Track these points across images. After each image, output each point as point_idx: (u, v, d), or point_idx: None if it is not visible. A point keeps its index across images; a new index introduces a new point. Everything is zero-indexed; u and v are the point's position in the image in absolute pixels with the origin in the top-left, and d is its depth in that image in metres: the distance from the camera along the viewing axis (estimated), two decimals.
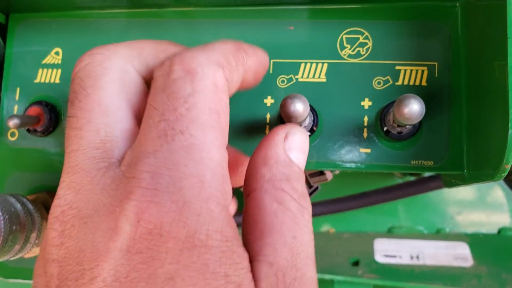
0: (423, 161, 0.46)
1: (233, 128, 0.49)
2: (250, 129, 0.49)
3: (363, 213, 1.08)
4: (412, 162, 0.46)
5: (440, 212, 1.09)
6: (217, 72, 0.32)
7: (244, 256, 0.30)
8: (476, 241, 1.04)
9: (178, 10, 0.52)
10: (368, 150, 0.47)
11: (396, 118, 0.42)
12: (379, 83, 0.47)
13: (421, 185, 0.89)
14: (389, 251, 1.03)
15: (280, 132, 0.37)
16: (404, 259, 1.00)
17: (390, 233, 1.09)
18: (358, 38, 0.48)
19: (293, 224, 0.32)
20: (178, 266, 0.26)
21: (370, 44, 0.48)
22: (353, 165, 0.47)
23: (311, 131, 0.47)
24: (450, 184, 0.51)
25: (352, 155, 0.47)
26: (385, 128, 0.46)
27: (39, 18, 0.54)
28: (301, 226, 0.32)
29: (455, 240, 1.04)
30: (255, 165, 0.35)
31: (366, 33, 0.48)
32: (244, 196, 0.35)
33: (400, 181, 1.11)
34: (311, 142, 0.48)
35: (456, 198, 1.10)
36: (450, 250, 1.01)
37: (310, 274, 0.31)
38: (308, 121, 0.46)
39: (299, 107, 0.41)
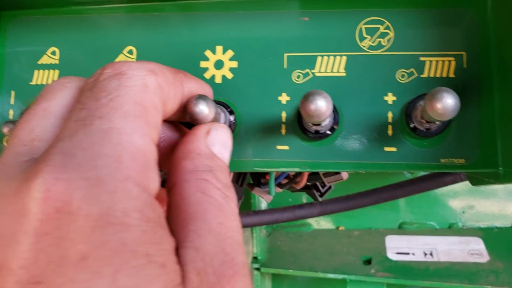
0: (453, 159, 0.43)
1: (246, 129, 0.45)
2: (264, 130, 0.45)
3: (373, 209, 1.05)
4: (441, 160, 0.43)
5: (451, 206, 1.06)
6: (149, 75, 0.32)
7: (169, 239, 0.28)
8: (490, 235, 1.01)
9: (180, 3, 0.48)
10: (394, 149, 0.44)
11: (427, 113, 0.38)
12: (403, 76, 0.44)
13: (435, 179, 0.85)
14: (401, 248, 1.00)
15: (202, 128, 0.37)
16: (417, 256, 0.97)
17: (401, 229, 1.06)
18: (379, 28, 0.45)
19: (218, 211, 0.31)
20: (91, 245, 0.24)
21: (391, 34, 0.45)
22: (377, 165, 0.44)
23: (331, 129, 0.43)
24: (479, 182, 0.47)
25: (376, 155, 0.44)
26: (411, 125, 0.43)
27: (33, 15, 0.51)
28: (227, 214, 0.31)
29: (468, 235, 1.01)
30: (177, 159, 0.34)
31: (387, 23, 0.45)
32: (167, 192, 0.34)
33: (409, 176, 1.08)
34: (331, 141, 0.44)
35: (467, 191, 1.07)
36: (464, 245, 0.98)
37: (240, 258, 0.30)
38: (328, 119, 0.43)
39: (322, 104, 0.38)
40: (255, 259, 1.05)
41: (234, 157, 0.46)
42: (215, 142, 0.36)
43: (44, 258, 0.24)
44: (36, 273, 0.24)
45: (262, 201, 1.08)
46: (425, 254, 0.98)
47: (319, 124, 0.42)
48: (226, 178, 0.34)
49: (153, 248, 0.26)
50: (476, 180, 0.48)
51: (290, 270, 0.99)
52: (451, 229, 1.04)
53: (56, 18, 0.50)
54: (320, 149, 0.44)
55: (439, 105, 0.37)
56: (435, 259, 0.97)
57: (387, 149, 0.44)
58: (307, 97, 0.38)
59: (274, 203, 1.11)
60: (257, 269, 1.04)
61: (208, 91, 0.40)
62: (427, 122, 0.41)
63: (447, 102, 0.37)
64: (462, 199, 1.08)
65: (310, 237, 1.07)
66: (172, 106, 0.35)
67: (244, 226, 0.91)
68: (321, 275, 0.96)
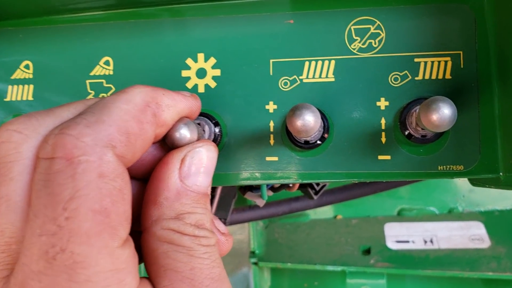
0: (451, 166, 0.41)
1: (232, 141, 0.43)
2: (252, 140, 0.43)
3: (370, 196, 1.03)
4: (439, 167, 0.41)
5: (451, 190, 1.04)
6: (105, 155, 0.28)
7: None
8: (492, 219, 0.99)
9: (163, 8, 0.45)
10: (388, 157, 0.41)
11: (423, 124, 0.36)
12: (396, 79, 0.41)
13: None
14: (400, 236, 0.98)
15: (175, 157, 0.34)
16: (417, 244, 0.95)
17: (400, 216, 1.04)
18: (369, 29, 0.42)
19: (188, 258, 0.31)
20: None
21: (383, 34, 0.42)
22: (371, 175, 0.42)
23: (322, 139, 0.41)
24: (479, 185, 0.46)
25: (369, 164, 0.42)
26: (406, 132, 0.40)
27: (3, 27, 0.48)
28: (198, 256, 0.31)
29: (469, 220, 0.99)
30: (146, 201, 0.33)
31: (378, 22, 0.42)
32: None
33: None
34: (322, 150, 0.42)
35: None
36: (465, 231, 0.97)
37: None
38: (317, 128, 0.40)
39: (309, 119, 0.35)
40: (252, 253, 1.04)
41: (221, 171, 0.43)
42: (190, 171, 0.34)
43: None
44: None
45: None
46: (425, 241, 0.96)
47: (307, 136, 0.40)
48: (197, 213, 0.33)
49: None
50: (476, 183, 0.46)
51: (288, 264, 0.98)
52: (451, 214, 1.02)
53: (28, 29, 0.47)
54: (311, 159, 0.42)
55: (434, 117, 0.34)
56: (435, 246, 0.95)
57: (381, 157, 0.41)
58: (293, 112, 0.36)
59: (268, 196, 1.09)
60: (255, 263, 1.02)
61: (191, 103, 0.37)
62: (423, 129, 0.39)
63: (444, 113, 0.34)
64: (462, 183, 1.06)
65: (308, 227, 1.05)
66: (142, 152, 0.32)
67: (240, 222, 0.89)
68: (319, 267, 0.94)
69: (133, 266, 0.29)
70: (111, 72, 0.45)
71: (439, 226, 0.99)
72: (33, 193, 0.28)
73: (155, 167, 0.34)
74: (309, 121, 0.35)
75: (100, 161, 0.28)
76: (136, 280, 0.29)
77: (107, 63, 0.45)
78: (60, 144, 0.28)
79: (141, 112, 0.31)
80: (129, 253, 0.29)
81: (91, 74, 0.45)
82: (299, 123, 0.35)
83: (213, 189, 0.74)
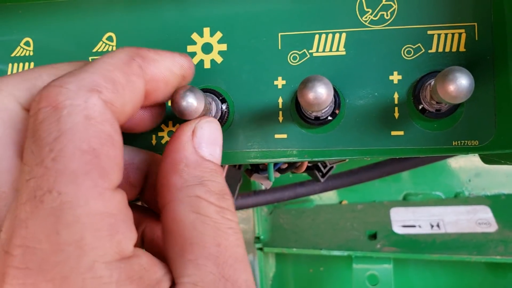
0: (466, 141, 0.40)
1: (240, 118, 0.42)
2: (260, 117, 0.42)
3: (376, 181, 1.02)
4: (453, 143, 0.40)
5: (457, 174, 1.03)
6: (90, 99, 0.28)
7: None
8: (498, 203, 0.98)
9: None
10: (401, 133, 0.40)
11: (438, 95, 0.35)
12: (409, 52, 0.40)
13: None
14: (407, 220, 0.97)
15: (186, 129, 0.34)
16: (424, 229, 0.95)
17: (405, 201, 1.04)
18: (381, 0, 0.41)
19: (215, 232, 0.30)
20: None
21: (395, 6, 0.41)
22: (384, 151, 0.40)
23: (333, 115, 0.40)
24: (493, 162, 0.44)
25: (382, 140, 0.40)
26: (420, 106, 0.39)
27: (2, 3, 0.46)
28: (224, 230, 0.30)
29: (475, 204, 0.98)
30: (165, 173, 0.32)
31: None
32: (160, 208, 0.32)
33: None
34: (333, 127, 0.41)
35: (473, 159, 1.04)
36: (472, 215, 0.96)
37: (243, 278, 0.30)
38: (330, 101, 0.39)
39: (322, 92, 0.34)
40: (257, 239, 1.03)
41: (228, 149, 0.42)
42: (203, 142, 0.34)
43: None
44: None
45: None
46: (432, 226, 0.96)
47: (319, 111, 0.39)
48: (219, 183, 0.32)
49: None
50: (489, 160, 0.45)
51: (294, 249, 0.97)
52: (458, 198, 1.02)
53: (27, 4, 0.46)
54: (321, 136, 0.41)
55: (452, 87, 0.33)
56: (442, 230, 0.94)
57: (394, 133, 0.40)
58: (305, 84, 0.34)
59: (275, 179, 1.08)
60: (260, 249, 1.02)
61: (180, 60, 0.35)
62: (437, 102, 0.38)
63: (461, 83, 0.33)
64: (468, 167, 1.05)
65: (313, 213, 1.04)
66: (133, 106, 0.31)
67: (245, 207, 0.88)
68: (325, 252, 0.93)
69: (128, 217, 0.28)
70: (115, 48, 0.44)
71: (445, 210, 0.98)
72: (24, 148, 0.28)
73: (167, 143, 0.34)
74: (321, 94, 0.34)
75: (85, 104, 0.27)
76: (132, 234, 0.28)
77: (110, 38, 0.44)
78: (44, 95, 0.27)
79: (126, 65, 0.31)
80: (121, 199, 0.28)
81: (94, 50, 0.44)
82: (311, 95, 0.34)
83: None
